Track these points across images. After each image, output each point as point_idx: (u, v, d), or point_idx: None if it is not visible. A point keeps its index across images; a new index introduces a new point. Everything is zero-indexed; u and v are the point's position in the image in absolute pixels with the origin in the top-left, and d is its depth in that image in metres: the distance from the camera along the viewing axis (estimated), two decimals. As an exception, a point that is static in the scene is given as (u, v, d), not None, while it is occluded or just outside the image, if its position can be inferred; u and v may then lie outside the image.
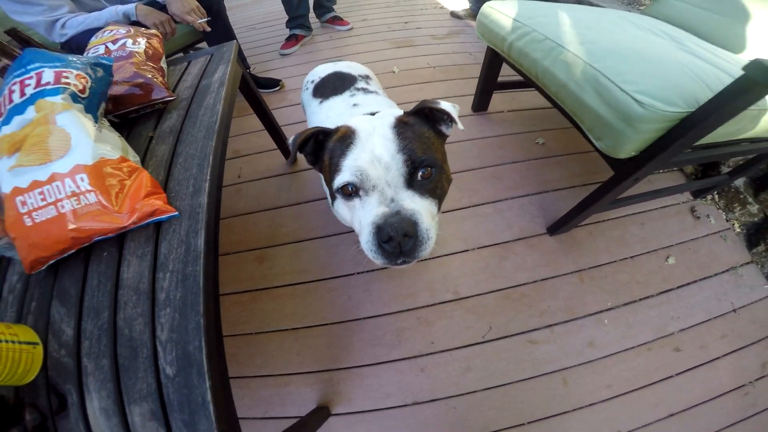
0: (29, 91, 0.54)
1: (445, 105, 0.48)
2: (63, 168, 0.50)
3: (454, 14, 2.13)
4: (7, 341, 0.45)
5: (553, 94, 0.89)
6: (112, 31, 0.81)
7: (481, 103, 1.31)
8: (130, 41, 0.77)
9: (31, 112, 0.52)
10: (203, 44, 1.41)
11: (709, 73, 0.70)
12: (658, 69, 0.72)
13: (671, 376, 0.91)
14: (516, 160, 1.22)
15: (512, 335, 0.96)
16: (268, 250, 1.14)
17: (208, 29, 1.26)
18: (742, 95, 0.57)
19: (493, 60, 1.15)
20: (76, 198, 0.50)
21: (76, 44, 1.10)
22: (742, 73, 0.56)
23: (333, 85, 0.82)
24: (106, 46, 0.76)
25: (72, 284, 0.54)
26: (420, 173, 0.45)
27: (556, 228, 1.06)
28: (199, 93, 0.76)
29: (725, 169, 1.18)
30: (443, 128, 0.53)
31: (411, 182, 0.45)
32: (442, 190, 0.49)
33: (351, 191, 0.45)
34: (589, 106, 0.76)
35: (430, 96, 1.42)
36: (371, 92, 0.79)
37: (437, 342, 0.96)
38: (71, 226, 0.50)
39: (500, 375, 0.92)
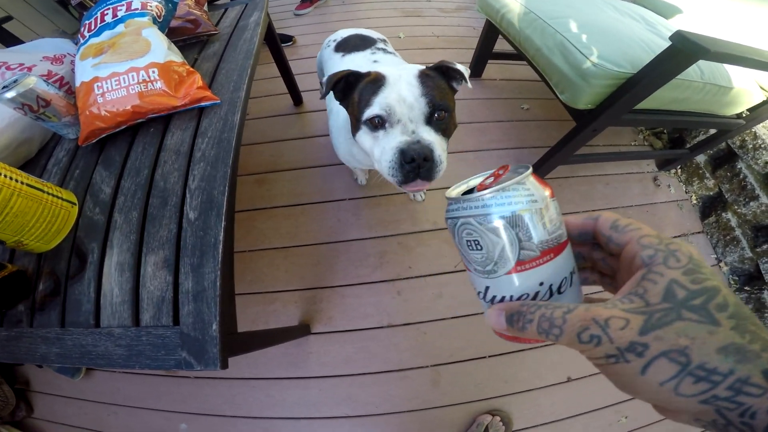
0: (120, 13, 0.76)
1: (459, 66, 0.62)
2: (140, 63, 0.71)
3: (465, -9, 2.40)
4: (50, 194, 0.58)
5: (531, 57, 1.11)
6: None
7: (476, 70, 1.53)
8: (184, -13, 1.00)
9: (120, 28, 0.74)
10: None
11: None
12: (617, 40, 0.93)
13: None
14: (501, 119, 1.45)
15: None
16: (268, 175, 1.34)
17: None
18: (670, 60, 0.79)
19: (490, 31, 1.36)
20: (144, 84, 0.70)
21: None
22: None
23: (354, 43, 0.98)
24: (165, -11, 0.99)
25: (117, 152, 0.72)
26: (437, 114, 0.57)
27: (528, 177, 1.29)
28: (238, 30, 0.97)
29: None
30: (454, 84, 0.67)
31: (429, 121, 0.57)
32: (450, 131, 0.62)
33: (377, 123, 0.58)
34: (556, 65, 0.99)
35: (431, 60, 1.65)
36: (390, 53, 0.96)
37: (414, 267, 1.17)
38: (135, 102, 0.70)
39: (468, 304, 1.12)
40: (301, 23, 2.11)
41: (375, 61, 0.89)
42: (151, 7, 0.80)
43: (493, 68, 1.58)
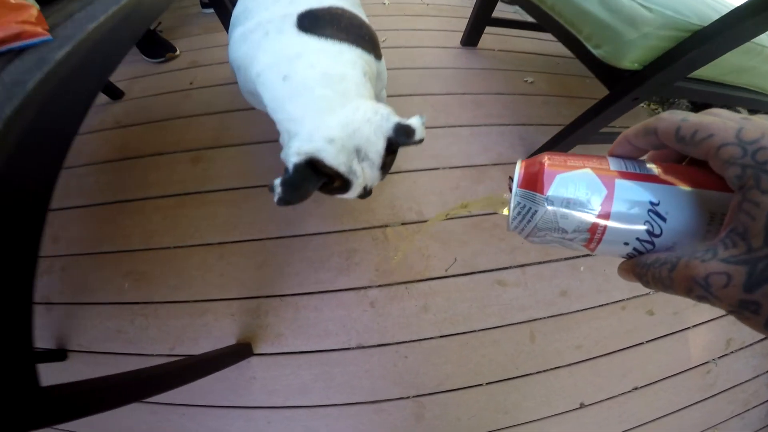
0: None
1: (419, 133, 0.47)
2: None
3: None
4: None
5: (549, 8, 0.81)
6: None
7: (470, 38, 1.20)
8: None
9: None
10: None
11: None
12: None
13: (642, 343, 0.85)
14: (500, 92, 1.13)
15: (479, 272, 0.84)
16: (208, 152, 0.97)
17: None
18: (754, 15, 0.53)
19: (489, -10, 1.08)
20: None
21: None
22: None
23: None
24: None
25: None
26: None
27: (537, 157, 0.97)
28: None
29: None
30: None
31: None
32: None
33: None
34: (589, 12, 0.71)
35: (418, 28, 1.29)
36: None
37: (393, 271, 0.83)
38: None
39: (462, 320, 0.81)
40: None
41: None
42: None
43: (489, 39, 1.24)
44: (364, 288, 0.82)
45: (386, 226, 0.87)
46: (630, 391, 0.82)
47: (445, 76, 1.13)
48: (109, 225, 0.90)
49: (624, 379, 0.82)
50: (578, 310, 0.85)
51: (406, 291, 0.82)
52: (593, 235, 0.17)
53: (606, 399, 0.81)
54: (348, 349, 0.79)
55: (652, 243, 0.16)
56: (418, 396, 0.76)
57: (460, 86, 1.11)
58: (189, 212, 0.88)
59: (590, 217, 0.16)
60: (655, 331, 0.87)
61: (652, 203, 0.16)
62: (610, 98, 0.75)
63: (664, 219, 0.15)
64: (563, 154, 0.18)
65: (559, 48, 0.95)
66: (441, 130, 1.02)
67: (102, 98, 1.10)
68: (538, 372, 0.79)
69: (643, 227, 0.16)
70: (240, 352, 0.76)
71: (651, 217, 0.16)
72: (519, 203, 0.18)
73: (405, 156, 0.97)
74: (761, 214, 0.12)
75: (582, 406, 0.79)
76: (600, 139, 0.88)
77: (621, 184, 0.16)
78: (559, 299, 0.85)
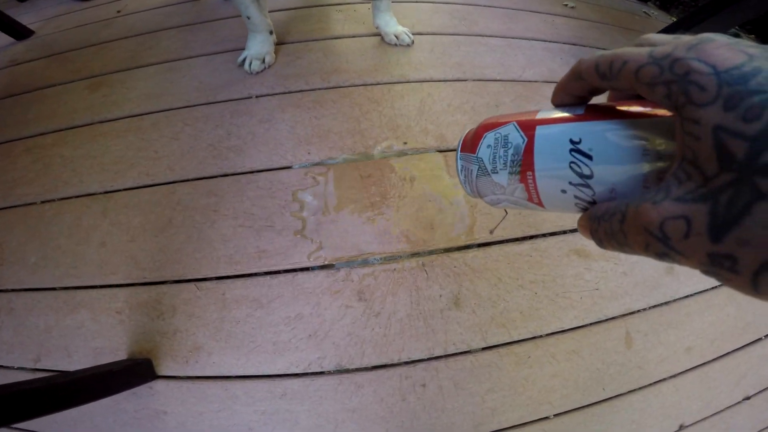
0: None
1: None
2: None
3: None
4: None
5: None
6: None
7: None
8: None
9: None
10: None
11: None
12: None
13: (760, 339, 0.60)
14: (537, 10, 0.85)
15: (545, 235, 0.52)
16: (116, 75, 0.67)
17: None
18: None
19: None
20: None
21: None
22: None
23: None
24: None
25: None
26: None
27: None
28: None
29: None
30: None
31: None
32: None
33: None
34: None
35: None
36: None
37: (394, 236, 0.48)
38: None
39: (518, 318, 0.48)
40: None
41: None
42: None
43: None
44: (349, 265, 0.48)
45: (387, 155, 0.53)
46: (738, 404, 0.59)
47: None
48: (-40, 181, 0.59)
49: (736, 387, 0.60)
50: (689, 295, 0.56)
51: (422, 269, 0.48)
52: (527, 187, 0.15)
53: (711, 415, 0.59)
54: (320, 373, 0.46)
55: (589, 186, 0.13)
56: (442, 446, 0.44)
57: (483, -1, 0.84)
58: (69, 151, 0.56)
59: (516, 169, 0.15)
60: (775, 321, 0.60)
61: (572, 141, 0.13)
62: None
63: (589, 156, 0.13)
64: (505, 115, 0.16)
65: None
66: (464, 37, 0.72)
67: (3, 39, 0.84)
68: (632, 391, 0.53)
69: (569, 169, 0.13)
70: (134, 371, 0.47)
71: (574, 157, 0.13)
72: (463, 167, 0.18)
73: (411, 62, 0.67)
74: (705, 130, 0.09)
75: (681, 428, 0.56)
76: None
77: (542, 129, 0.14)
78: (665, 279, 0.54)
